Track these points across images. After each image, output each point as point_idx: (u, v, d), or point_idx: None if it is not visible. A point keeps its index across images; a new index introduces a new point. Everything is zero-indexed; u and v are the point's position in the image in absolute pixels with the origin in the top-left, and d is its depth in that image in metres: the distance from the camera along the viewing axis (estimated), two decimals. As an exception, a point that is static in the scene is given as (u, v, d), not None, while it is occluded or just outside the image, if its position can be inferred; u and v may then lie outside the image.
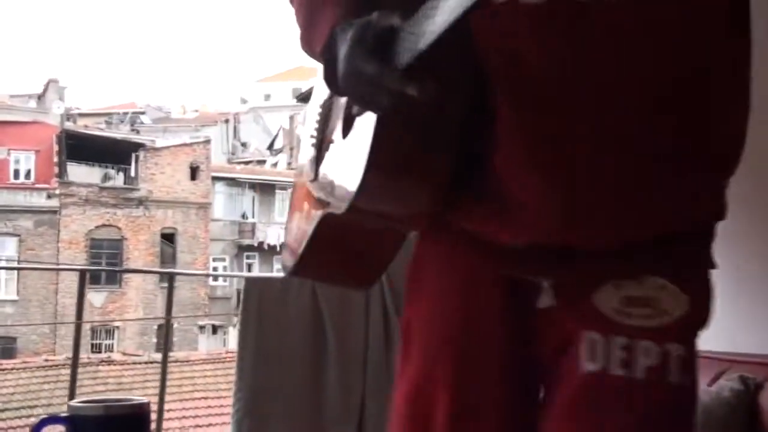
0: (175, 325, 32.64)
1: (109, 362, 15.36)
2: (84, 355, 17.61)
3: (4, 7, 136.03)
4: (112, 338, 31.01)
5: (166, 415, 13.27)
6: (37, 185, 30.82)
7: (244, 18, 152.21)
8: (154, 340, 31.68)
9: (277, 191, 38.59)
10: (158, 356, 16.57)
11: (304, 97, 27.68)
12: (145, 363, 15.63)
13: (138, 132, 49.18)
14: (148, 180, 33.04)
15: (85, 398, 2.20)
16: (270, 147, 52.60)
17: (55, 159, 31.30)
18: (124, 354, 16.50)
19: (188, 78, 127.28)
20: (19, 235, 29.65)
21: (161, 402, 3.20)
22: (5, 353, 24.87)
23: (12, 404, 12.87)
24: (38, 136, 31.24)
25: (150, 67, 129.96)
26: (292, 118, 47.76)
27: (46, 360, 15.72)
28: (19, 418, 12.56)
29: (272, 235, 36.72)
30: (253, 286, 2.71)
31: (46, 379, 14.37)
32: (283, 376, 2.61)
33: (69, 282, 30.47)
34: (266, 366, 2.59)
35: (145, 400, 2.19)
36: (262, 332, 2.64)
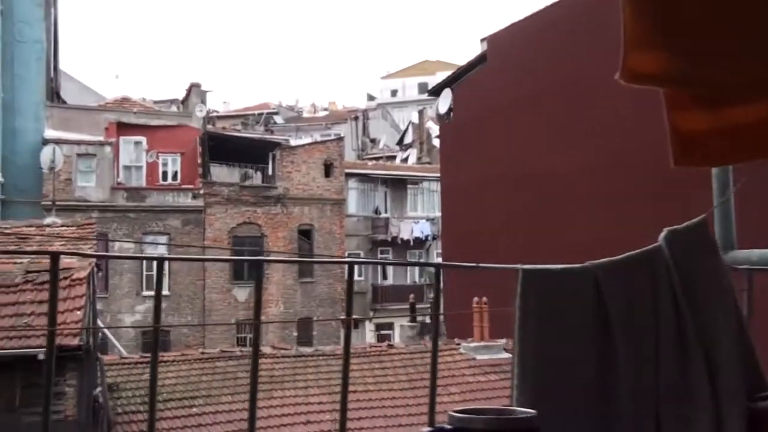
0: (315, 319, 33.47)
1: (261, 355, 15.90)
2: (236, 348, 18.32)
3: (146, 18, 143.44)
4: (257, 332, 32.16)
5: (316, 407, 13.64)
6: (183, 186, 32.38)
7: (368, 16, 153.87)
8: (295, 333, 32.61)
9: (408, 186, 38.85)
10: (306, 350, 17.05)
11: (435, 91, 27.70)
12: (294, 357, 16.08)
13: (272, 132, 50.88)
14: (284, 178, 34.06)
15: (459, 407, 2.13)
16: (399, 142, 53.05)
17: (199, 160, 32.77)
18: (273, 347, 17.03)
19: (317, 77, 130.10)
20: (168, 234, 31.23)
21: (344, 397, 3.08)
22: (162, 346, 26.26)
23: (175, 395, 13.59)
24: (183, 139, 32.76)
25: (281, 67, 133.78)
26: (420, 112, 47.95)
27: (202, 352, 16.49)
28: (182, 408, 13.25)
29: (405, 229, 36.99)
30: (531, 278, 2.56)
31: (203, 370, 15.07)
32: (568, 377, 2.48)
33: (215, 278, 31.87)
34: (549, 366, 2.45)
35: (531, 412, 2.09)
36: (543, 330, 2.48)
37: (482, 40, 22.99)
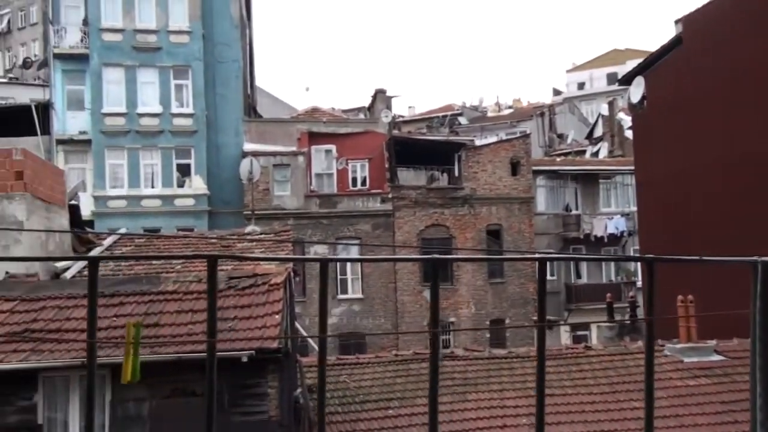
0: (507, 321, 33.00)
1: (453, 357, 15.76)
2: (427, 351, 18.28)
3: (333, 30, 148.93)
4: (448, 333, 32.23)
5: (512, 411, 13.27)
6: (372, 191, 33.10)
7: (551, 9, 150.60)
8: (488, 335, 32.31)
9: (600, 181, 37.39)
10: (499, 351, 16.70)
11: (626, 80, 26.38)
12: (487, 359, 15.80)
13: (457, 133, 50.94)
14: (471, 179, 33.87)
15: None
16: (589, 136, 51.26)
17: (386, 165, 33.36)
18: (466, 349, 16.84)
19: (501, 75, 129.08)
20: (360, 238, 32.03)
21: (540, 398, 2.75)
22: (358, 348, 26.96)
23: (371, 396, 13.76)
24: (370, 145, 33.50)
25: (464, 68, 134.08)
26: (611, 103, 46.08)
27: (396, 355, 16.60)
28: (378, 409, 13.38)
29: (598, 226, 35.60)
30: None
31: (398, 372, 15.16)
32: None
33: (406, 280, 32.27)
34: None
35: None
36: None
37: (677, 22, 21.59)
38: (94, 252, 15.04)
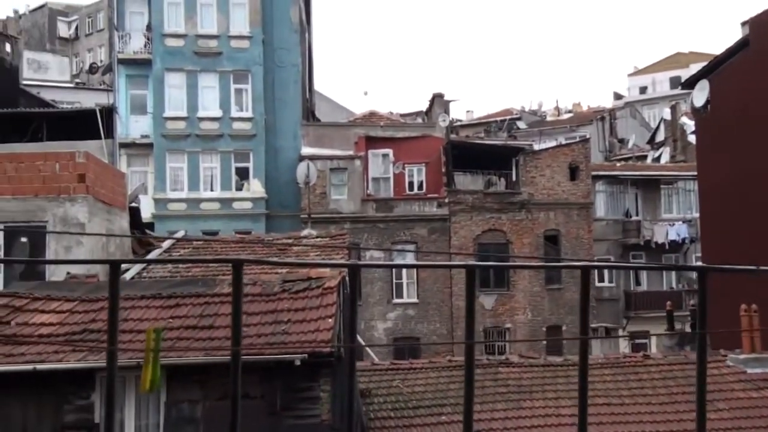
0: (564, 328, 32.52)
1: (508, 364, 15.58)
2: (482, 357, 18.17)
3: (392, 34, 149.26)
4: (503, 339, 31.92)
5: (568, 420, 13.03)
6: (428, 195, 33.00)
7: (614, 11, 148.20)
8: (544, 342, 31.86)
9: (661, 187, 36.57)
10: (555, 359, 16.44)
11: (690, 84, 25.75)
12: (542, 366, 15.57)
13: (515, 138, 50.44)
14: (528, 183, 33.49)
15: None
16: (650, 141, 50.23)
17: (443, 169, 33.22)
18: (521, 356, 16.62)
19: (561, 78, 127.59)
20: (416, 243, 31.95)
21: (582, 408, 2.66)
22: (411, 352, 26.83)
23: (424, 402, 13.68)
24: (427, 149, 33.41)
25: (524, 72, 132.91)
26: (673, 107, 45.06)
27: (450, 360, 16.47)
28: (431, 415, 13.30)
29: (659, 232, 34.82)
30: None
31: (452, 378, 15.04)
32: None
33: (462, 285, 32.02)
34: None
35: None
36: None
37: (743, 24, 21.00)
38: (152, 255, 15.33)
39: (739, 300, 14.13)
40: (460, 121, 60.47)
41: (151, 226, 28.35)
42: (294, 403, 10.11)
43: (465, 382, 1.75)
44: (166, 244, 16.94)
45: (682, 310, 28.87)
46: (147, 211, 28.60)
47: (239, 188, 32.14)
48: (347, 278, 13.91)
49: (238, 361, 1.60)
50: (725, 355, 14.44)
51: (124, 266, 14.74)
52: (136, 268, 14.52)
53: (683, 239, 35.17)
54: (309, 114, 37.37)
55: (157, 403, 9.83)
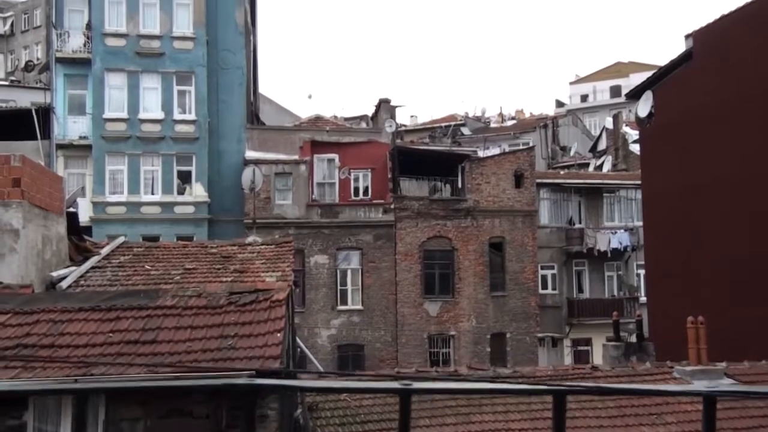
0: (508, 335, 32.61)
1: (457, 377, 15.39)
2: (431, 369, 17.98)
3: (336, 38, 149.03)
4: (448, 347, 31.84)
5: (518, 433, 12.86)
6: (374, 201, 32.76)
7: (555, 20, 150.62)
8: (488, 349, 31.92)
9: (604, 195, 37.06)
10: (504, 371, 16.32)
11: (634, 94, 26.08)
12: (490, 378, 15.43)
13: (459, 144, 50.60)
14: (474, 190, 33.53)
15: None
16: (592, 149, 50.97)
17: (389, 175, 33.03)
18: (470, 368, 16.49)
19: (504, 86, 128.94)
20: (361, 249, 31.66)
21: None
22: (356, 361, 26.56)
23: (372, 417, 13.39)
24: (373, 154, 33.20)
25: (467, 78, 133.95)
26: (615, 116, 45.77)
27: (398, 372, 16.25)
28: (381, 430, 13.01)
29: (602, 240, 35.26)
30: None
31: (400, 390, 14.81)
32: None
33: (407, 292, 31.90)
34: None
35: None
36: None
37: (687, 37, 21.33)
38: (91, 261, 14.70)
39: (686, 312, 14.24)
40: (405, 126, 60.48)
41: (88, 229, 27.44)
42: (240, 421, 9.71)
43: None
44: (106, 250, 16.29)
45: (624, 318, 29.17)
46: (85, 215, 27.69)
47: (181, 192, 31.40)
48: (293, 287, 13.55)
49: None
50: (672, 367, 14.53)
51: (59, 273, 14.09)
52: (73, 276, 13.89)
53: (625, 247, 35.70)
54: (253, 117, 36.79)
55: (95, 422, 9.33)
